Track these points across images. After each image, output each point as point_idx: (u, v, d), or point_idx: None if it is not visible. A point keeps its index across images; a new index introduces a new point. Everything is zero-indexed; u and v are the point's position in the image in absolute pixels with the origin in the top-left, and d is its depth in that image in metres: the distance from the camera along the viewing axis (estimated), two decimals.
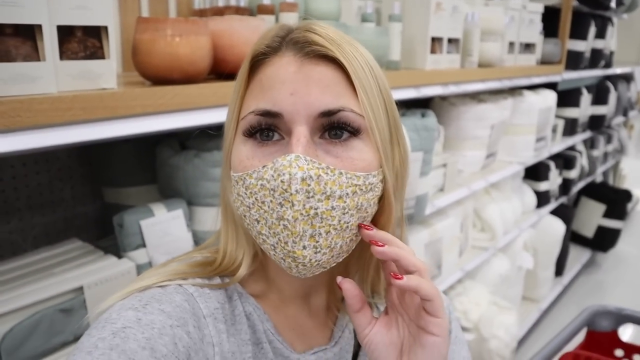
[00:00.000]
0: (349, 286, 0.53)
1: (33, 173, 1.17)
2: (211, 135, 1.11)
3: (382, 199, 0.56)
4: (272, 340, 0.59)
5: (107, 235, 1.29)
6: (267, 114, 0.52)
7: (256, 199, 0.51)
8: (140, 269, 0.97)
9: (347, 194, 0.51)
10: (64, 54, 0.77)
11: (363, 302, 0.54)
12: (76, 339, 0.89)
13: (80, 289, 0.88)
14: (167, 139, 1.17)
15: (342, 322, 0.65)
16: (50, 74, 0.75)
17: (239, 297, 0.59)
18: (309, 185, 0.48)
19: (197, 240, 1.08)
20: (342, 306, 0.65)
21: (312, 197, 0.49)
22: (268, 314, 0.60)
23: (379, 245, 0.51)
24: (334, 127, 0.52)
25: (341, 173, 0.51)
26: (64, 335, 0.87)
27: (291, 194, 0.48)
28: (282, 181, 0.48)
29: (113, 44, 0.82)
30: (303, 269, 0.52)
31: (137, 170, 1.21)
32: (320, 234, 0.50)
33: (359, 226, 0.53)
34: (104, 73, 0.82)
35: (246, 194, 0.52)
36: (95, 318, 0.51)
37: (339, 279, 0.54)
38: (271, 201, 0.50)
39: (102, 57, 0.81)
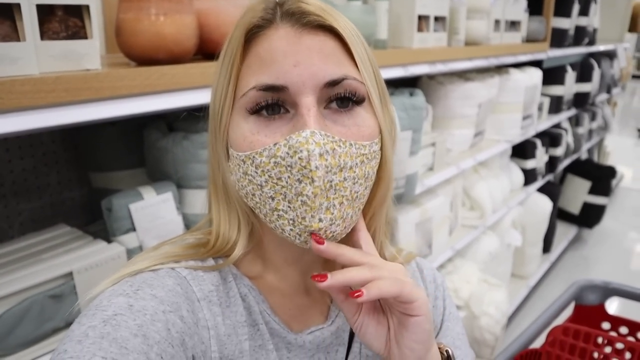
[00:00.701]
0: (326, 283, 0.51)
1: (17, 158, 1.15)
2: (199, 116, 1.10)
3: (379, 168, 0.56)
4: (269, 321, 0.58)
5: (94, 221, 1.28)
6: (271, 88, 0.50)
7: (270, 177, 0.50)
8: (130, 253, 0.96)
9: (357, 164, 0.52)
10: (45, 34, 0.75)
11: (345, 290, 0.53)
12: (67, 324, 0.89)
13: (69, 275, 0.87)
14: (154, 122, 1.15)
15: None
16: (31, 55, 0.73)
17: (233, 279, 0.58)
18: (326, 160, 0.49)
19: (188, 223, 1.07)
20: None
21: (330, 171, 0.49)
22: (264, 294, 0.59)
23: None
24: (339, 97, 0.52)
25: (351, 144, 0.51)
26: (54, 322, 0.86)
27: (311, 170, 0.48)
28: (300, 158, 0.48)
29: (95, 23, 0.80)
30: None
31: (124, 153, 1.19)
32: (334, 205, 0.50)
33: (312, 235, 0.51)
34: (87, 53, 0.80)
35: (257, 172, 0.51)
36: (86, 304, 0.50)
37: (313, 275, 0.52)
38: (289, 177, 0.49)
39: (85, 37, 0.79)
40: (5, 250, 0.93)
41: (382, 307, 0.56)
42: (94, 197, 1.26)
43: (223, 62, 0.55)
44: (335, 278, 0.50)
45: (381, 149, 0.56)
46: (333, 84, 0.51)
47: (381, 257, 0.66)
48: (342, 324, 0.63)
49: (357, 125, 0.53)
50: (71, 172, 1.27)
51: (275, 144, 0.50)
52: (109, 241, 0.97)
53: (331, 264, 0.64)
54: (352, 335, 0.64)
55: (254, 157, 0.51)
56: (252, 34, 0.53)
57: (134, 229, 0.97)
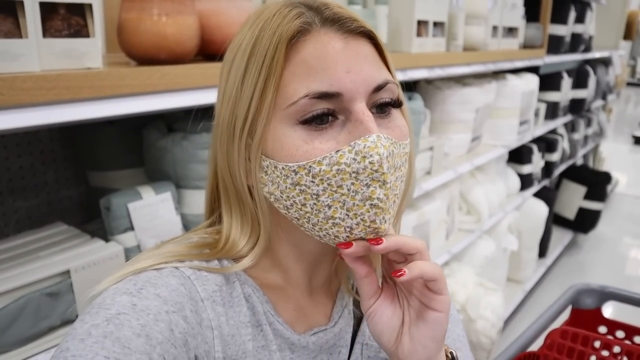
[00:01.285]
0: (350, 250, 0.51)
1: (14, 156, 1.14)
2: (200, 117, 1.10)
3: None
4: (272, 321, 0.58)
5: (91, 220, 1.27)
6: (325, 95, 0.49)
7: (329, 185, 0.49)
8: (128, 252, 0.96)
9: (403, 163, 0.53)
10: (47, 32, 0.75)
11: (369, 267, 0.53)
12: (63, 323, 0.88)
13: (67, 273, 0.86)
14: (154, 121, 1.15)
15: (341, 302, 0.64)
16: (33, 52, 0.73)
17: (237, 279, 0.58)
18: (388, 162, 0.49)
19: (186, 223, 1.07)
20: (343, 283, 0.65)
21: (392, 172, 0.50)
22: (267, 295, 0.59)
23: (376, 243, 0.50)
24: (382, 103, 0.53)
25: (400, 144, 0.53)
26: (50, 320, 0.85)
27: (383, 174, 0.48)
28: (371, 162, 0.48)
29: (98, 22, 0.80)
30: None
31: (122, 153, 1.19)
32: (391, 205, 0.51)
33: (339, 246, 0.52)
34: (89, 52, 0.80)
35: (313, 182, 0.50)
36: (88, 302, 0.50)
37: (339, 251, 0.53)
38: (353, 184, 0.49)
39: (87, 35, 0.79)
40: (2, 248, 0.92)
41: (399, 299, 0.55)
42: (91, 196, 1.26)
43: (249, 68, 0.52)
44: (391, 240, 0.51)
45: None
46: (379, 88, 0.52)
47: None
48: (345, 325, 0.63)
49: (398, 127, 0.54)
50: (68, 170, 1.26)
51: (337, 151, 0.49)
52: (106, 240, 0.97)
53: (336, 266, 0.64)
54: (354, 337, 0.64)
55: (311, 166, 0.49)
56: (293, 41, 0.51)
57: (132, 228, 0.97)
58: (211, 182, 0.61)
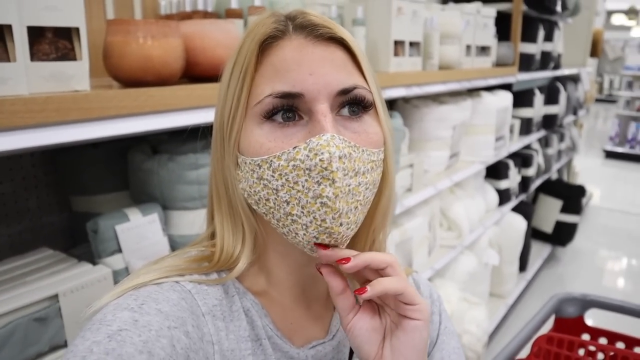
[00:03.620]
0: (328, 269, 0.53)
1: None
2: (185, 138, 1.11)
3: (382, 178, 0.58)
4: (271, 335, 0.58)
5: (74, 246, 1.26)
6: (287, 95, 0.52)
7: (287, 180, 0.51)
8: (116, 274, 0.95)
9: (368, 170, 0.53)
10: (35, 55, 0.76)
11: (345, 284, 0.54)
12: (51, 349, 0.87)
13: (55, 297, 0.85)
14: (138, 144, 1.15)
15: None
16: (21, 75, 0.74)
17: (236, 293, 0.58)
18: (344, 163, 0.50)
19: (173, 244, 1.07)
20: None
21: (347, 174, 0.51)
22: (266, 308, 0.59)
23: (345, 262, 0.51)
24: (350, 103, 0.54)
25: (363, 150, 0.53)
26: (38, 346, 0.84)
27: (332, 172, 0.49)
28: (321, 160, 0.49)
29: (85, 45, 0.81)
30: (333, 245, 0.52)
31: (106, 177, 1.18)
32: (351, 210, 0.52)
33: (315, 245, 0.53)
34: (76, 74, 0.80)
35: (273, 176, 0.52)
36: (89, 317, 0.49)
37: (317, 264, 0.54)
38: (306, 180, 0.50)
39: (74, 58, 0.80)
40: None
41: (379, 311, 0.56)
42: (75, 221, 1.25)
43: (233, 74, 0.56)
44: (358, 258, 0.51)
45: (384, 159, 0.57)
46: (345, 92, 0.53)
47: None
48: (343, 338, 0.63)
49: (367, 132, 0.55)
50: (51, 196, 1.25)
51: (294, 148, 0.51)
52: (94, 263, 0.96)
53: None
54: (352, 351, 0.65)
55: (271, 160, 0.52)
56: (265, 45, 0.55)
57: (120, 251, 0.96)
58: (209, 194, 0.62)
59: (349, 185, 0.51)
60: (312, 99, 0.52)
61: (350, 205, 0.51)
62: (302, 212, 0.51)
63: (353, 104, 0.54)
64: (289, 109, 0.53)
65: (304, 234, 0.52)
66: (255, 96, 0.54)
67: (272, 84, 0.53)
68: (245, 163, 0.54)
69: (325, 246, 0.52)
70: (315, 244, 0.52)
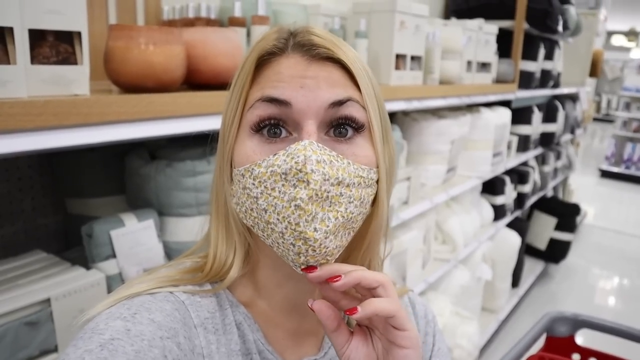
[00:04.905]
0: (321, 307, 0.52)
1: None
2: (183, 145, 1.11)
3: (374, 202, 0.57)
4: (262, 350, 0.58)
5: (68, 249, 1.25)
6: (275, 100, 0.52)
7: (265, 187, 0.51)
8: (110, 280, 0.95)
9: (354, 183, 0.52)
10: (35, 58, 0.75)
11: (338, 321, 0.53)
12: (42, 353, 0.86)
13: (47, 301, 0.85)
14: (136, 149, 1.15)
15: None
16: (21, 78, 0.73)
17: (230, 306, 0.58)
18: (323, 167, 0.49)
19: (168, 250, 1.06)
20: None
21: (327, 180, 0.50)
22: (258, 323, 0.59)
23: (336, 280, 0.51)
24: (340, 124, 0.54)
25: (349, 163, 0.52)
26: (28, 350, 0.83)
27: (306, 173, 0.48)
28: (296, 162, 0.49)
29: (86, 49, 0.81)
30: (312, 255, 0.51)
31: (103, 180, 1.18)
32: (329, 218, 0.50)
33: (303, 271, 0.52)
34: (77, 79, 0.80)
35: (254, 184, 0.52)
36: (81, 326, 0.49)
37: (310, 301, 0.52)
38: (283, 185, 0.50)
39: (75, 62, 0.80)
40: None
41: (371, 337, 0.55)
42: (70, 223, 1.24)
43: (235, 87, 0.57)
44: (350, 276, 0.50)
45: (377, 182, 0.56)
46: (338, 103, 0.53)
47: None
48: (334, 356, 0.63)
49: (355, 155, 0.54)
50: (46, 198, 1.24)
51: (274, 155, 0.51)
52: (87, 268, 0.95)
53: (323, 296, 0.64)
54: None
55: (252, 168, 0.52)
56: (263, 60, 0.55)
57: (114, 256, 0.96)
58: (210, 201, 0.62)
59: (328, 192, 0.50)
60: (300, 111, 0.52)
61: (327, 212, 0.50)
62: (278, 219, 0.50)
63: (343, 125, 0.54)
64: (276, 124, 0.53)
65: (282, 242, 0.51)
66: (248, 104, 0.55)
67: (263, 90, 0.53)
68: (235, 175, 0.55)
69: (313, 267, 0.51)
70: (303, 269, 0.51)
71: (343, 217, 0.52)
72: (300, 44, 0.55)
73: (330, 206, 0.50)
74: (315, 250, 0.50)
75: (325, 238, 0.50)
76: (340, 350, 0.53)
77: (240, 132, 0.55)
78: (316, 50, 0.54)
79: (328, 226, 0.50)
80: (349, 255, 0.61)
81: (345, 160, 0.52)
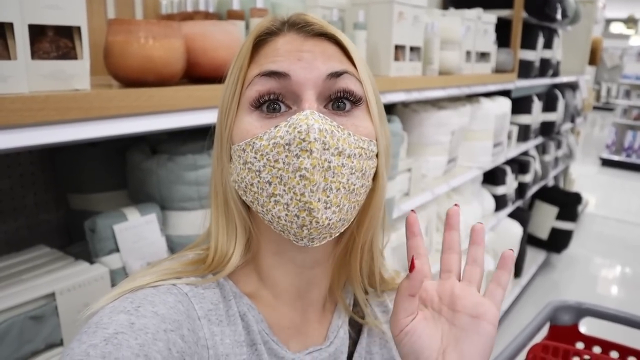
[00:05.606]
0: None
1: None
2: (184, 138, 1.11)
3: (374, 177, 0.58)
4: (267, 340, 0.58)
5: (71, 244, 1.26)
6: (275, 73, 0.53)
7: (268, 160, 0.51)
8: (113, 274, 0.95)
9: (355, 154, 0.53)
10: (36, 54, 0.75)
11: (418, 290, 0.52)
12: (47, 347, 0.86)
13: (51, 295, 0.85)
14: (137, 143, 1.15)
15: (337, 322, 0.65)
16: (22, 74, 0.73)
17: (233, 297, 0.58)
18: (325, 137, 0.50)
19: (171, 244, 1.06)
20: (340, 302, 0.65)
21: (327, 149, 0.50)
22: (262, 313, 0.59)
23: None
24: (338, 98, 0.55)
25: (349, 134, 0.53)
26: (34, 344, 0.84)
27: (309, 142, 0.49)
28: (299, 132, 0.49)
29: (86, 44, 0.81)
30: (316, 227, 0.51)
31: (104, 175, 1.18)
32: (331, 188, 0.51)
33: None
34: (77, 74, 0.80)
35: (255, 157, 0.52)
36: (85, 320, 0.49)
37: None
38: (286, 156, 0.50)
39: (75, 57, 0.80)
40: None
41: (438, 319, 0.54)
42: (72, 219, 1.25)
43: (233, 69, 0.57)
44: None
45: (377, 156, 0.57)
46: (335, 75, 0.54)
47: (380, 278, 0.67)
48: (340, 345, 0.63)
49: (355, 125, 0.55)
50: (48, 193, 1.25)
51: (276, 127, 0.52)
52: (91, 262, 0.96)
53: (331, 285, 0.64)
54: (350, 357, 0.64)
55: (254, 142, 0.52)
56: (260, 40, 0.57)
57: (117, 250, 0.96)
58: (209, 194, 0.62)
59: (329, 162, 0.51)
60: (298, 82, 0.53)
61: (329, 183, 0.51)
62: (284, 190, 0.51)
63: (342, 98, 0.55)
64: (275, 99, 0.54)
65: (286, 215, 0.51)
66: (247, 82, 0.55)
67: (261, 67, 0.54)
68: (235, 152, 0.55)
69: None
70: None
71: (345, 188, 0.52)
72: (295, 23, 0.57)
73: (333, 177, 0.51)
74: (318, 222, 0.51)
75: (326, 209, 0.51)
76: (404, 320, 0.52)
77: (239, 111, 0.56)
78: (311, 26, 0.56)
79: (329, 197, 0.51)
80: (351, 231, 0.61)
81: (346, 131, 0.53)
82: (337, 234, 0.55)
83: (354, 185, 0.53)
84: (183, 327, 0.50)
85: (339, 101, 0.55)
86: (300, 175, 0.50)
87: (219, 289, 0.58)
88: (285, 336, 0.60)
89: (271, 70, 0.53)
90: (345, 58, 0.57)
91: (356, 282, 0.63)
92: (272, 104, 0.54)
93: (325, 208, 0.51)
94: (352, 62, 0.57)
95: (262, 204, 0.53)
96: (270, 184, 0.52)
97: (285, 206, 0.51)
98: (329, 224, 0.51)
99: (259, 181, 0.52)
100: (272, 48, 0.55)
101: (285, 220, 0.52)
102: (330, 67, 0.54)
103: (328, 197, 0.51)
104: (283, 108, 0.54)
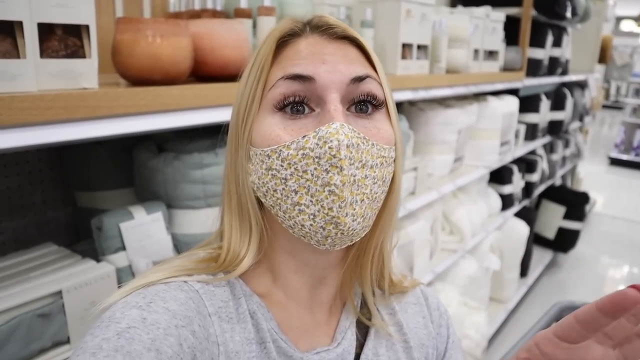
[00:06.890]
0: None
1: (2, 177, 1.14)
2: (191, 137, 1.11)
3: (391, 180, 0.58)
4: (276, 339, 0.58)
5: (78, 241, 1.26)
6: (299, 77, 0.53)
7: (295, 169, 0.52)
8: (120, 272, 0.95)
9: (377, 164, 0.54)
10: (44, 52, 0.76)
11: None
12: (54, 344, 0.87)
13: (58, 293, 0.86)
14: (144, 142, 1.15)
15: (344, 323, 0.64)
16: (31, 72, 0.74)
17: (243, 295, 0.58)
18: (351, 152, 0.51)
19: (177, 243, 1.07)
20: (349, 301, 0.65)
21: (352, 164, 0.51)
22: (272, 312, 0.59)
23: None
24: (361, 101, 0.55)
25: (373, 144, 0.54)
26: (41, 341, 0.84)
27: (340, 159, 0.50)
28: (330, 147, 0.50)
29: (94, 43, 0.81)
30: (340, 238, 0.52)
31: (111, 173, 1.18)
32: (357, 201, 0.52)
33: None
34: (85, 72, 0.81)
35: (282, 165, 0.52)
36: (98, 315, 0.50)
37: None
38: (315, 169, 0.51)
39: (83, 56, 0.80)
40: None
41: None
42: (79, 216, 1.25)
43: (251, 71, 0.57)
44: None
45: (395, 160, 0.58)
46: (358, 79, 0.54)
47: (389, 280, 0.67)
48: (348, 346, 0.63)
49: (377, 128, 0.55)
50: (56, 191, 1.25)
51: (304, 137, 0.52)
52: (97, 260, 0.96)
53: (341, 286, 0.64)
54: (357, 359, 0.64)
55: (281, 150, 0.52)
56: (282, 42, 0.57)
57: (123, 248, 0.96)
58: (222, 193, 0.62)
59: (354, 176, 0.51)
60: (323, 86, 0.53)
61: (354, 195, 0.52)
62: (311, 201, 0.51)
63: (364, 102, 0.55)
64: (300, 101, 0.54)
65: (311, 225, 0.52)
66: (269, 83, 0.56)
67: (285, 69, 0.54)
68: (256, 155, 0.55)
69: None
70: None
71: (368, 198, 0.53)
72: (317, 26, 0.57)
73: (357, 189, 0.52)
74: (344, 234, 0.52)
75: (353, 221, 0.52)
76: None
77: (260, 111, 0.56)
78: (333, 29, 0.56)
79: (355, 209, 0.52)
80: (364, 237, 0.61)
81: (370, 142, 0.53)
82: (358, 239, 0.56)
83: (376, 193, 0.55)
84: (194, 323, 0.51)
85: (362, 104, 0.55)
86: (329, 191, 0.50)
87: (229, 287, 0.58)
88: (294, 335, 0.60)
89: (296, 74, 0.53)
90: (366, 61, 0.57)
91: (366, 283, 0.63)
92: (296, 106, 0.54)
93: (353, 220, 0.52)
94: (372, 65, 0.58)
95: (285, 210, 0.54)
96: (296, 192, 0.52)
97: (312, 216, 0.52)
98: (353, 233, 0.53)
99: (284, 188, 0.53)
100: (295, 50, 0.56)
101: (310, 229, 0.53)
102: (353, 71, 0.54)
103: (354, 210, 0.52)
104: (307, 110, 0.54)
